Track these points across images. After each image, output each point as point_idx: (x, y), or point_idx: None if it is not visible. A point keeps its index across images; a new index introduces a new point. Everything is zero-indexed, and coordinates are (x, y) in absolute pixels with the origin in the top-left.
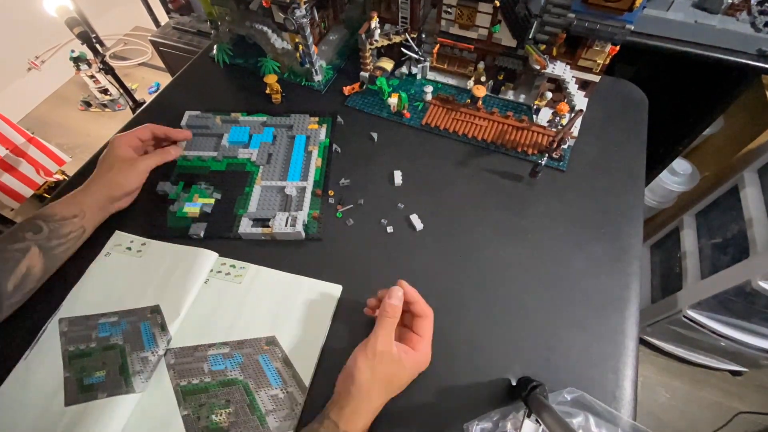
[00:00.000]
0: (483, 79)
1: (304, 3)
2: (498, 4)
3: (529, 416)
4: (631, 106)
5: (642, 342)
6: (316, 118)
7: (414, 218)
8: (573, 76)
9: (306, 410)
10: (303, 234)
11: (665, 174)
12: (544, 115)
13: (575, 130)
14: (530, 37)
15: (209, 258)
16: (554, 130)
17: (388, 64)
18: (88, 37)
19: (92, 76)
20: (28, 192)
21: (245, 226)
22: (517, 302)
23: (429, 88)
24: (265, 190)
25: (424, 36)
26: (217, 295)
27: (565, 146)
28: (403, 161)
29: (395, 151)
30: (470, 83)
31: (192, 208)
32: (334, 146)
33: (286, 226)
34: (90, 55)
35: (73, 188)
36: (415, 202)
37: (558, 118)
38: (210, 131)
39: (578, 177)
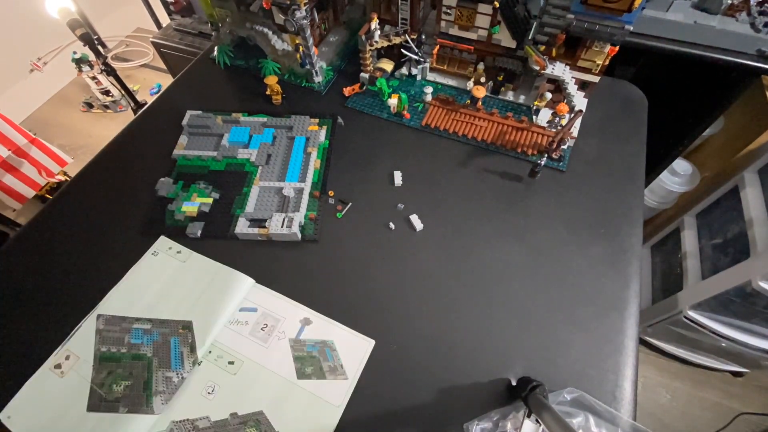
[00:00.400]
0: (483, 80)
1: (305, 4)
2: (497, 5)
3: (529, 416)
4: (631, 106)
5: (643, 343)
6: (317, 120)
7: (414, 218)
8: (572, 77)
9: None
10: (299, 235)
11: (665, 174)
12: (544, 116)
13: (575, 131)
14: (530, 37)
15: (245, 283)
16: (554, 130)
17: (388, 65)
18: (90, 39)
19: (94, 78)
20: (30, 193)
21: (242, 227)
22: (516, 302)
23: (429, 89)
24: (263, 191)
25: (423, 37)
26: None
27: (565, 147)
28: (403, 162)
29: (395, 152)
30: (470, 84)
31: (190, 207)
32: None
33: (282, 227)
34: (92, 57)
35: (74, 189)
36: (415, 202)
37: (557, 118)
38: (210, 131)
39: (578, 177)
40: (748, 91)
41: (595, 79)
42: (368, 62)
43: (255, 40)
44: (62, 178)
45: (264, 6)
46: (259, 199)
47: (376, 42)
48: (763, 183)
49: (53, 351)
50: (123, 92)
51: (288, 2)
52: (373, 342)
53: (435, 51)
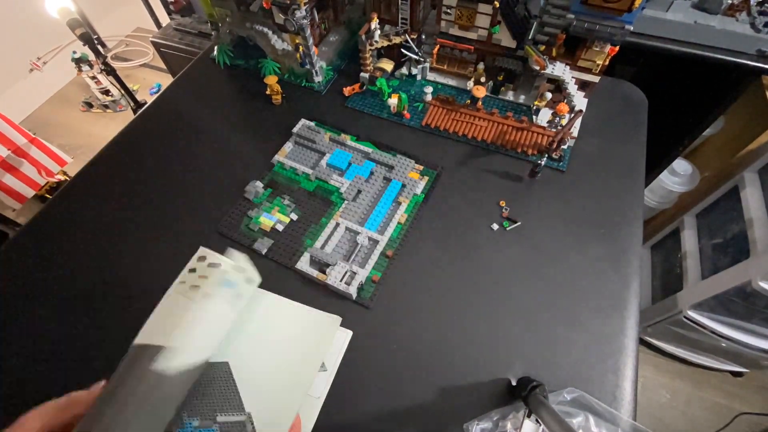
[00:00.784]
0: (483, 79)
1: (305, 4)
2: (497, 5)
3: (529, 416)
4: (631, 106)
5: (642, 343)
6: (420, 167)
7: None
8: (572, 77)
9: None
10: (354, 296)
11: (665, 174)
12: (544, 116)
13: (575, 131)
14: (530, 37)
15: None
16: (554, 130)
17: (388, 65)
18: (89, 39)
19: (94, 77)
20: (29, 192)
21: (304, 263)
22: (517, 302)
23: (429, 89)
24: (339, 229)
25: (423, 37)
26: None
27: (565, 146)
28: None
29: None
30: (470, 84)
31: (267, 221)
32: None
33: (341, 281)
34: (91, 56)
35: (73, 189)
36: None
37: (558, 118)
38: (315, 146)
39: (578, 177)
40: (748, 91)
41: (595, 79)
42: (368, 62)
43: (255, 39)
44: (62, 177)
45: (264, 6)
46: (332, 238)
47: (376, 42)
48: (763, 183)
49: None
50: (123, 92)
51: (288, 2)
52: (350, 333)
53: (435, 51)
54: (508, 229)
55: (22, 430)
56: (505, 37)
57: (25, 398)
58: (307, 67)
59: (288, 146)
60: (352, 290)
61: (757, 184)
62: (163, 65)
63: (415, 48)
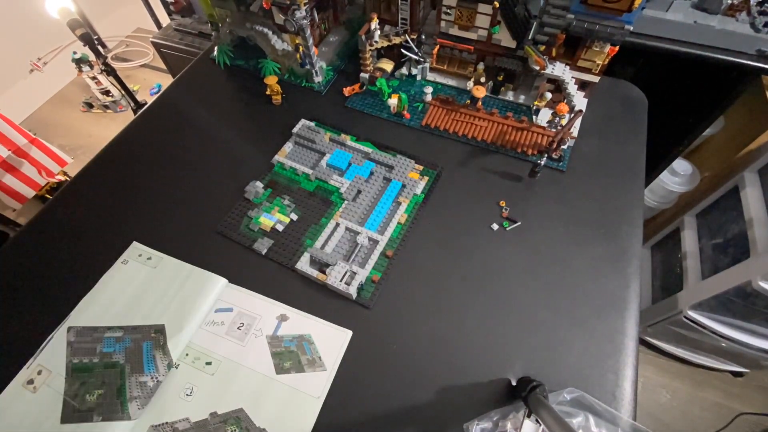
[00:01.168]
0: (483, 80)
1: (305, 4)
2: (497, 5)
3: (529, 416)
4: (631, 106)
5: (643, 343)
6: (420, 167)
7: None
8: (572, 77)
9: None
10: (354, 296)
11: (665, 174)
12: (544, 116)
13: (575, 131)
14: (530, 37)
15: (217, 283)
16: (554, 130)
17: (388, 65)
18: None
19: (94, 78)
20: (30, 193)
21: (304, 263)
22: (517, 302)
23: (429, 89)
24: (339, 229)
25: (423, 37)
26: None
27: (565, 146)
28: None
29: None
30: (470, 84)
31: (267, 221)
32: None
33: (341, 281)
34: (92, 57)
35: (73, 189)
36: None
37: (557, 118)
38: (315, 146)
39: (578, 177)
40: (748, 91)
41: (595, 79)
42: (368, 62)
43: (255, 40)
44: (62, 178)
45: (264, 6)
46: (332, 238)
47: (376, 42)
48: (763, 183)
49: (23, 364)
50: (123, 92)
51: (288, 2)
52: (350, 333)
53: (435, 51)
54: (508, 229)
55: None
56: (505, 37)
57: None
58: (307, 67)
59: (288, 146)
60: (352, 290)
61: (757, 184)
62: (163, 66)
63: (415, 48)
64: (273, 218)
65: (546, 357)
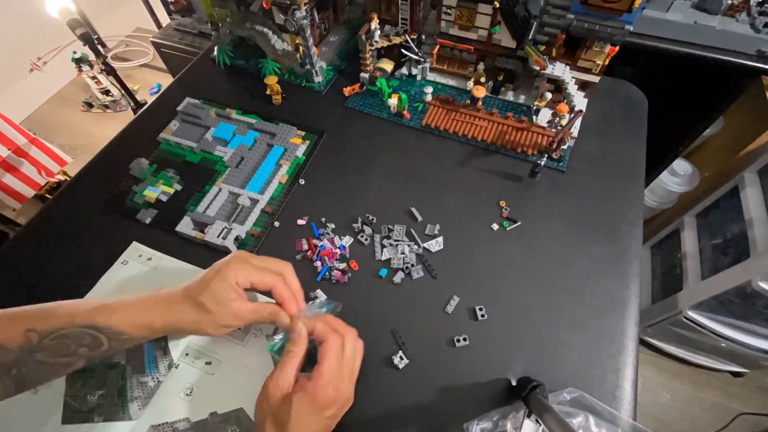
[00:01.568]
0: (483, 80)
1: (305, 4)
2: (497, 5)
3: (529, 416)
4: (631, 106)
5: (643, 343)
6: (303, 133)
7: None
8: (572, 77)
9: None
10: (234, 249)
11: (665, 174)
12: (544, 116)
13: (575, 131)
14: (530, 38)
15: None
16: (554, 130)
17: (388, 65)
18: (89, 39)
19: (94, 77)
20: (30, 192)
21: (185, 226)
22: (516, 302)
23: (429, 89)
24: (222, 194)
25: (423, 37)
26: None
27: (565, 147)
28: (403, 162)
29: (395, 152)
30: (470, 84)
31: (151, 193)
32: (300, 179)
33: (218, 236)
34: (92, 57)
35: (73, 188)
36: (414, 202)
37: (558, 118)
38: (200, 122)
39: (578, 177)
40: (748, 91)
41: (595, 79)
42: (368, 62)
43: (255, 40)
44: (62, 177)
45: (264, 6)
46: (215, 202)
47: (376, 42)
48: (763, 183)
49: None
50: (123, 92)
51: (288, 2)
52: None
53: (435, 51)
54: (508, 229)
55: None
56: (505, 37)
57: None
58: (307, 67)
59: (174, 124)
60: (229, 243)
61: (757, 184)
62: (163, 65)
63: (415, 48)
64: (156, 190)
65: (546, 357)
